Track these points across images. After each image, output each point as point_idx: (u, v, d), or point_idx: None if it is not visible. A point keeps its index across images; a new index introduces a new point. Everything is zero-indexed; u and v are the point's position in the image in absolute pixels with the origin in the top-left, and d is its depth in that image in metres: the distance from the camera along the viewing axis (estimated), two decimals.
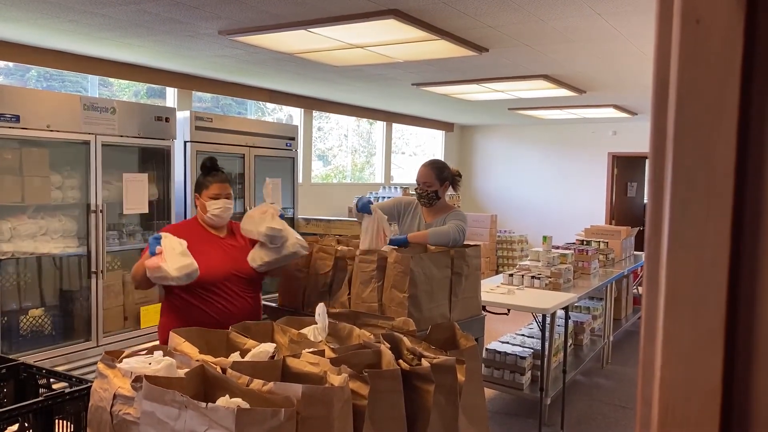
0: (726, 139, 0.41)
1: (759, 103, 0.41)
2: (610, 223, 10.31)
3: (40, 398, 1.72)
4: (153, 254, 2.51)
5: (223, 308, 2.71)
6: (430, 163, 3.53)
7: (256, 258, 2.77)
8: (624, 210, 11.10)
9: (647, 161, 0.47)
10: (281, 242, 2.75)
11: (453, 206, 3.58)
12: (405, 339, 1.70)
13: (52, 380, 2.01)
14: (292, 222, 6.10)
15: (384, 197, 8.39)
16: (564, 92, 6.93)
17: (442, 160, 3.72)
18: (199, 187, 2.87)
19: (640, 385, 0.47)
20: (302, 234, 5.70)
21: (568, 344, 5.13)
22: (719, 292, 0.42)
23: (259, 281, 2.97)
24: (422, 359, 1.57)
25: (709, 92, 0.41)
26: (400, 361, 1.56)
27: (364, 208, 3.02)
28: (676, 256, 0.43)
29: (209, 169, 2.89)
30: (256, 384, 1.33)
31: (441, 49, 4.79)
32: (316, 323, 1.84)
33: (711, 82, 0.41)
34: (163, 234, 2.57)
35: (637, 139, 10.30)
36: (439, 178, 3.43)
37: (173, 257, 2.48)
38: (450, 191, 3.66)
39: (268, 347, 1.61)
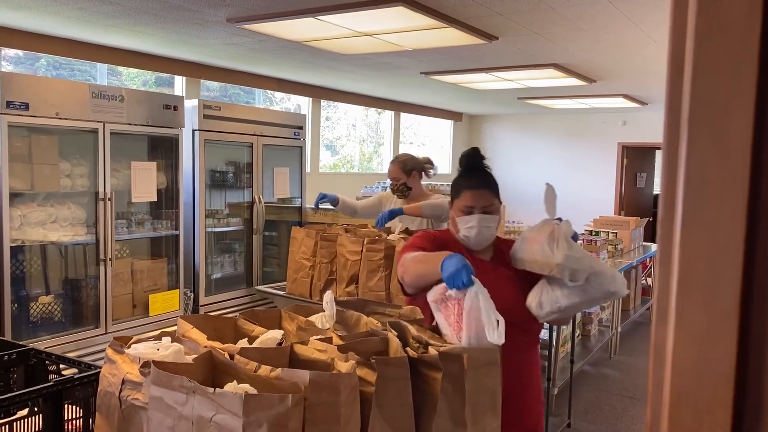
0: (742, 117, 0.40)
1: None
2: (620, 214, 10.26)
3: (50, 383, 1.73)
4: (460, 286, 1.60)
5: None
6: (395, 159, 3.87)
7: (545, 302, 1.86)
8: (633, 201, 11.04)
9: (662, 140, 0.46)
10: (584, 277, 1.84)
11: (430, 194, 3.83)
12: (411, 327, 1.69)
13: (61, 366, 2.02)
14: (299, 211, 6.10)
15: None
16: (574, 81, 6.88)
17: (409, 153, 4.03)
18: (452, 192, 2.11)
19: (651, 368, 0.46)
20: (309, 224, 5.71)
21: (576, 335, 5.11)
22: (734, 273, 0.41)
23: (538, 331, 2.11)
24: (429, 347, 1.57)
25: (725, 68, 0.40)
26: (408, 348, 1.56)
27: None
28: (689, 237, 0.42)
29: (466, 168, 2.10)
30: (264, 370, 1.33)
31: (450, 37, 4.76)
32: (324, 311, 1.83)
33: (728, 58, 0.40)
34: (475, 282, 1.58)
35: (648, 130, 10.22)
36: (404, 170, 3.72)
37: None
38: (429, 181, 3.80)
39: (276, 334, 1.61)
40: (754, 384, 0.41)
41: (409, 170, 3.72)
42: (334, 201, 4.10)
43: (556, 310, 1.84)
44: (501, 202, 2.12)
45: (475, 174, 2.07)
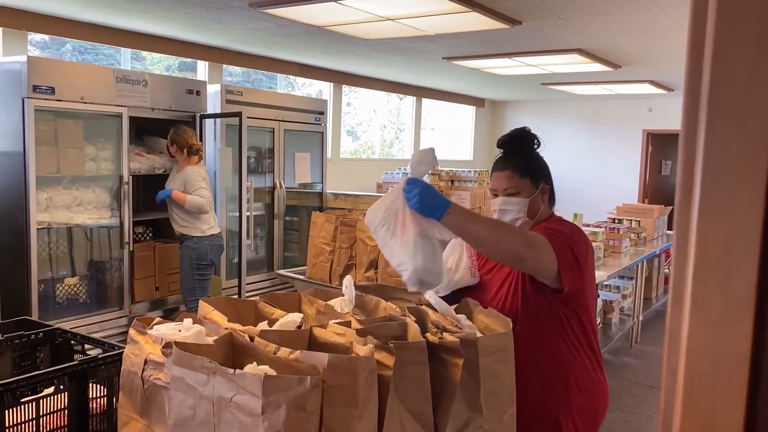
0: (762, 101, 0.40)
1: None
2: (643, 202, 10.13)
3: (75, 362, 1.77)
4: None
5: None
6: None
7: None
8: (658, 189, 10.89)
9: (680, 122, 0.45)
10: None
11: (188, 168, 4.37)
12: (430, 312, 1.70)
13: (86, 346, 2.07)
14: (320, 197, 6.11)
15: None
16: (598, 67, 6.78)
17: (187, 134, 4.47)
18: None
19: (665, 353, 0.46)
20: (330, 209, 5.71)
21: (597, 323, 5.08)
22: (751, 259, 0.40)
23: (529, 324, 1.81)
24: (444, 333, 1.57)
25: (747, 49, 0.40)
26: (427, 334, 1.57)
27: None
28: (706, 222, 0.42)
29: (501, 150, 1.98)
30: (283, 352, 1.35)
31: (473, 21, 4.71)
32: (343, 295, 1.85)
33: (750, 38, 0.40)
34: None
35: (674, 116, 10.04)
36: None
37: None
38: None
39: (296, 317, 1.63)
40: None
41: (171, 143, 4.39)
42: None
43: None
44: (541, 185, 2.00)
45: (503, 156, 1.96)
